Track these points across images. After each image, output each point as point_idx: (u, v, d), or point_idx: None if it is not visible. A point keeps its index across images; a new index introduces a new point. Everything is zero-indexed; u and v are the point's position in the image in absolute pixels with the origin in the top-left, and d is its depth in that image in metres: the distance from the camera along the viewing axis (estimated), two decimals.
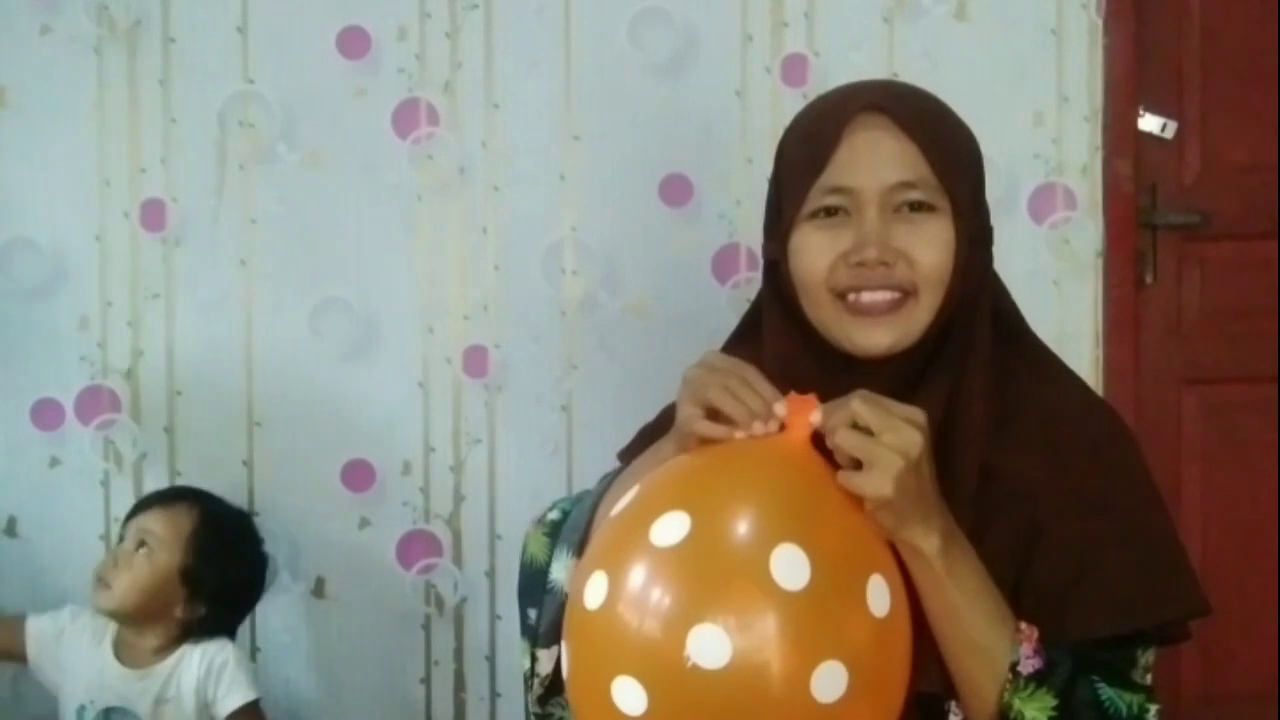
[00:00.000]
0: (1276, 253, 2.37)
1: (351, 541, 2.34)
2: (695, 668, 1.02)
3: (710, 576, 1.05)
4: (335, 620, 2.36)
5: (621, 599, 1.07)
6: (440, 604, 2.35)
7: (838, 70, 2.21)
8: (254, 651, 2.34)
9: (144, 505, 2.09)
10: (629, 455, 1.42)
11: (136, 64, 2.34)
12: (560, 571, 1.36)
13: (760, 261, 1.38)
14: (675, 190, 2.29)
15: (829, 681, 1.03)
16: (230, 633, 2.08)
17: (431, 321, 2.34)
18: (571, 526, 1.38)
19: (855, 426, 1.12)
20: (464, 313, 2.34)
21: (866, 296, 1.24)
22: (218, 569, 2.04)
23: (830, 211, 1.25)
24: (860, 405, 1.12)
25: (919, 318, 1.25)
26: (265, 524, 2.32)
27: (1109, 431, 1.30)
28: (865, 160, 1.24)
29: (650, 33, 2.28)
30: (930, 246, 1.24)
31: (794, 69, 2.27)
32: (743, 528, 1.07)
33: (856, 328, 1.25)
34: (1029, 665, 1.17)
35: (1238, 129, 2.38)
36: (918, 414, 1.13)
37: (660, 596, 1.05)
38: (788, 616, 1.03)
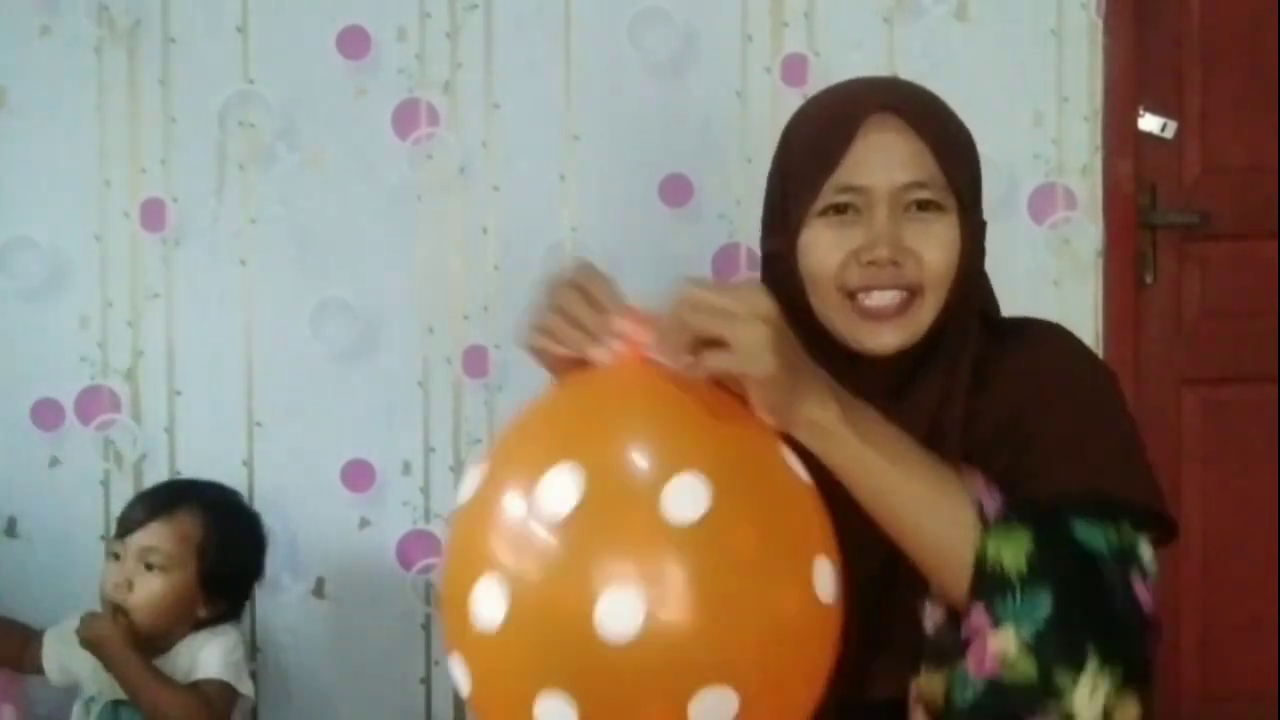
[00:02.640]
0: (1276, 253, 2.37)
1: (351, 541, 2.34)
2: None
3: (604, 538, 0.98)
4: (335, 620, 2.36)
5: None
6: (440, 604, 2.34)
7: (838, 70, 2.21)
8: (254, 651, 2.34)
9: (138, 519, 2.00)
10: None
11: (136, 64, 2.34)
12: None
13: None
14: (675, 190, 2.29)
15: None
16: (237, 615, 2.08)
17: (431, 321, 2.34)
18: None
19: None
20: (464, 313, 2.34)
21: (875, 298, 1.25)
22: (234, 563, 2.05)
23: (840, 209, 1.26)
24: (695, 291, 1.08)
25: (924, 317, 1.26)
26: (265, 524, 2.33)
27: (1086, 365, 1.31)
28: (878, 160, 1.25)
29: (650, 33, 2.28)
30: (939, 246, 1.25)
31: (794, 69, 2.27)
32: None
33: (865, 330, 1.25)
34: (990, 504, 1.13)
35: (1238, 129, 2.38)
36: (752, 284, 1.10)
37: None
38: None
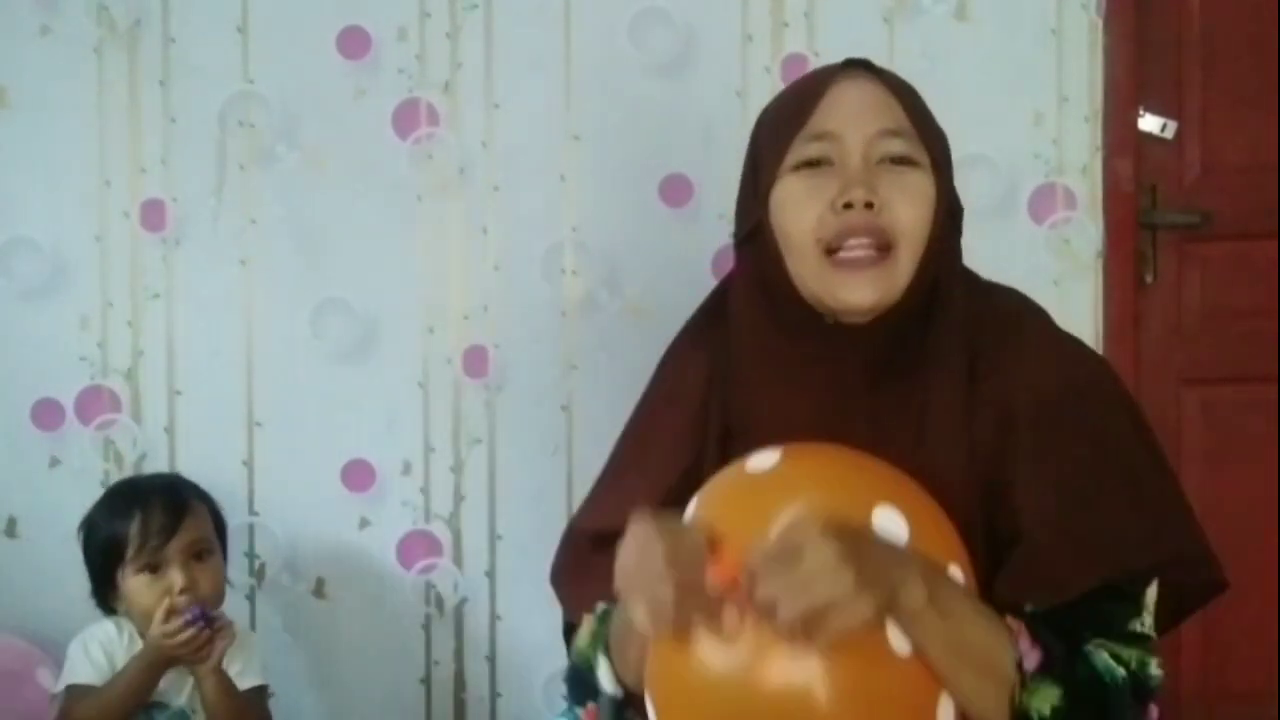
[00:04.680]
0: (1276, 253, 2.37)
1: (351, 541, 2.34)
2: None
3: None
4: (335, 620, 2.36)
5: None
6: (440, 604, 2.34)
7: None
8: None
9: (168, 524, 1.99)
10: (559, 579, 1.42)
11: (136, 64, 2.34)
12: (606, 681, 1.29)
13: None
14: (675, 190, 2.29)
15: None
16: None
17: (431, 321, 2.34)
18: (611, 634, 1.29)
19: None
20: (464, 313, 2.34)
21: (852, 249, 1.22)
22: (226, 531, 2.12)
23: (814, 163, 1.25)
24: (762, 563, 1.06)
25: (899, 274, 1.24)
26: (265, 524, 2.33)
27: (1094, 371, 1.30)
28: (849, 108, 1.25)
29: (650, 33, 2.28)
30: (912, 199, 1.24)
31: (794, 69, 2.27)
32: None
33: (840, 283, 1.23)
34: (1030, 660, 1.15)
35: (1238, 129, 2.37)
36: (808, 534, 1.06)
37: None
38: None
